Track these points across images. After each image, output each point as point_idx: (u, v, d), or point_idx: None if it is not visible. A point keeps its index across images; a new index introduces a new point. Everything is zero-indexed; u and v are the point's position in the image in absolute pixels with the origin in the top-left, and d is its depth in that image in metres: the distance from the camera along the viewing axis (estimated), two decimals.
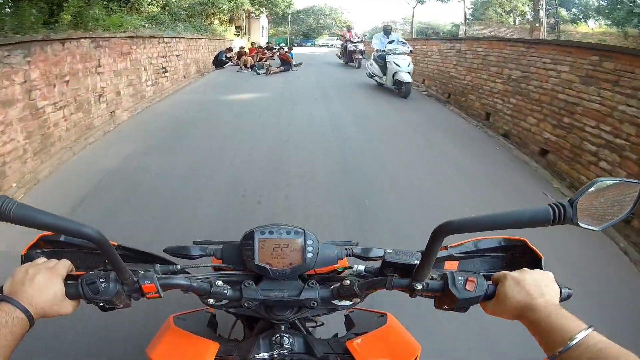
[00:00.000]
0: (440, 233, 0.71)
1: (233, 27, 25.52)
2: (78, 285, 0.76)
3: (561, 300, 0.78)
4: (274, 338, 0.92)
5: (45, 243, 0.92)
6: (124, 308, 0.81)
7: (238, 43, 20.79)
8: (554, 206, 0.66)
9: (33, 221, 0.64)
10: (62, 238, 0.92)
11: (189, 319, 1.03)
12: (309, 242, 0.89)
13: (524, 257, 0.94)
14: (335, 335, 1.11)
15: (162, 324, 1.02)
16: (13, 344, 0.66)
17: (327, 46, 58.85)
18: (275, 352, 0.90)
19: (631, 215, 0.71)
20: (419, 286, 0.80)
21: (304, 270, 0.91)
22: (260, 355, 0.90)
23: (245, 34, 28.98)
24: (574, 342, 0.62)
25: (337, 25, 67.26)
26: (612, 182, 0.70)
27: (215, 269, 0.98)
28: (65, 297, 0.76)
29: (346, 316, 1.15)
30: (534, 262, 0.91)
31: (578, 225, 0.67)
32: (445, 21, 60.16)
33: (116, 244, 0.89)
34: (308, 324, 1.18)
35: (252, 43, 20.50)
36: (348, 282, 0.87)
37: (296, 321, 1.01)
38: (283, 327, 0.96)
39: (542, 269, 0.83)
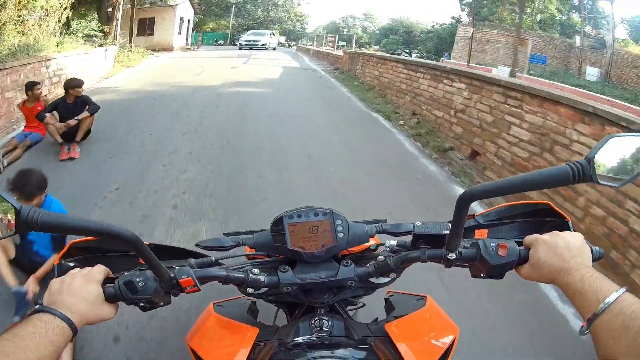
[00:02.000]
0: (464, 200, 0.73)
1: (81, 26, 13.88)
2: (116, 287, 0.77)
3: (594, 260, 0.79)
4: (313, 321, 0.92)
5: (76, 250, 0.91)
6: (164, 305, 0.82)
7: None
8: (573, 165, 0.67)
9: (62, 226, 0.65)
10: (93, 244, 0.91)
11: (229, 306, 1.06)
12: (338, 222, 0.89)
13: (551, 220, 0.95)
14: (376, 319, 1.07)
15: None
16: (55, 354, 0.65)
17: (283, 45, 48.07)
18: (314, 336, 0.90)
19: None
20: (452, 256, 0.82)
21: (338, 250, 0.91)
22: (300, 339, 0.89)
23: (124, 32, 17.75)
24: (607, 303, 0.62)
25: (290, 18, 55.42)
26: (627, 137, 0.70)
27: (249, 258, 1.03)
28: (104, 301, 0.77)
29: (386, 300, 1.17)
30: (561, 224, 0.93)
31: (598, 182, 0.68)
32: (433, 17, 50.62)
33: (147, 242, 0.83)
34: (349, 308, 1.17)
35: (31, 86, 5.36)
36: (382, 257, 0.89)
37: (335, 304, 1.01)
38: (323, 311, 0.96)
39: (570, 231, 0.85)
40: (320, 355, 0.85)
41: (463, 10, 36.61)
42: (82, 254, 0.92)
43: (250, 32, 23.59)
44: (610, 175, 0.69)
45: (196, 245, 0.98)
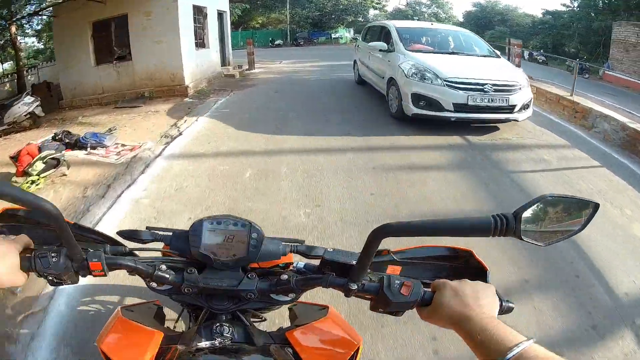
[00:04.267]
0: (377, 235, 0.74)
1: None
2: (31, 258, 0.80)
3: (501, 313, 0.80)
4: (214, 327, 0.94)
5: (8, 217, 0.95)
6: (72, 284, 0.85)
7: None
8: (497, 217, 0.65)
9: None
10: (24, 214, 0.95)
11: (136, 310, 1.06)
12: (254, 235, 0.90)
13: (469, 268, 0.95)
14: (280, 328, 1.07)
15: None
16: None
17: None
18: (216, 341, 0.91)
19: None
20: (354, 286, 0.83)
21: (247, 262, 0.92)
22: (202, 344, 0.91)
23: None
24: (511, 354, 0.61)
25: (368, 5, 41.75)
26: (562, 198, 0.69)
27: (164, 254, 1.01)
28: (19, 269, 0.79)
29: (290, 309, 1.20)
30: (479, 273, 0.91)
31: (521, 239, 0.67)
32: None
33: (72, 222, 0.90)
34: (253, 320, 1.14)
35: None
36: (286, 276, 0.90)
37: (238, 313, 1.01)
38: (224, 317, 0.98)
39: (486, 282, 0.85)
40: None
41: None
42: (12, 222, 0.95)
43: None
44: (538, 234, 0.69)
45: (117, 233, 0.97)
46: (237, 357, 0.89)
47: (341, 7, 40.28)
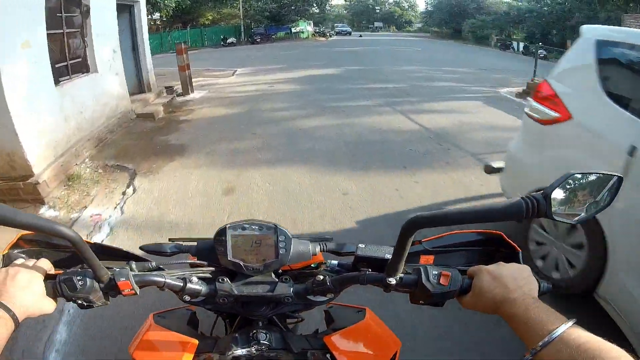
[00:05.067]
0: (409, 228, 0.72)
1: None
2: (56, 284, 0.77)
3: (540, 294, 0.77)
4: (251, 334, 0.92)
5: (25, 242, 0.92)
6: (102, 305, 0.82)
7: None
8: (527, 199, 0.65)
9: (10, 221, 0.66)
10: (41, 238, 0.92)
11: (169, 316, 1.05)
12: (281, 237, 0.88)
13: (501, 251, 0.94)
14: (316, 331, 1.08)
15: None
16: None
17: (323, 35, 38.46)
18: (253, 348, 0.90)
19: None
20: (392, 281, 0.80)
21: (278, 266, 0.90)
22: (239, 351, 0.89)
23: None
24: (554, 335, 0.61)
25: None
26: (586, 174, 0.69)
27: (192, 266, 0.98)
28: (45, 295, 0.77)
29: (326, 312, 1.13)
30: (511, 255, 0.90)
31: (553, 218, 0.66)
32: None
33: (92, 242, 0.88)
34: (289, 321, 1.15)
35: None
36: (321, 277, 0.87)
37: (274, 317, 1.00)
38: (261, 323, 0.96)
39: (519, 263, 0.84)
40: None
41: None
42: (30, 247, 0.93)
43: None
44: (567, 212, 0.69)
45: (140, 248, 0.96)
46: None
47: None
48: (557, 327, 0.62)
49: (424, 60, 18.40)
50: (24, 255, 0.87)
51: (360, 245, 0.90)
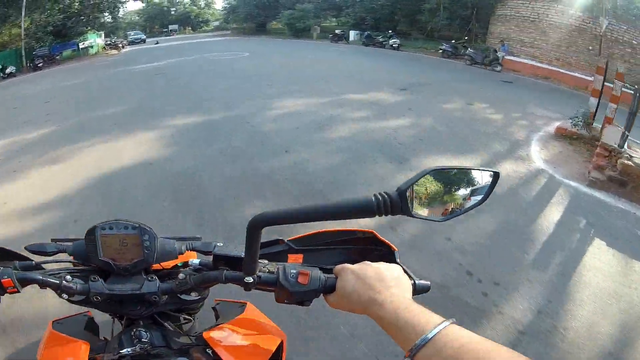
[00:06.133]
0: (254, 225, 0.73)
1: None
2: None
3: (415, 293, 0.78)
4: (133, 333, 0.94)
5: None
6: None
7: None
8: (379, 196, 0.66)
9: None
10: None
11: (67, 323, 1.07)
12: (145, 237, 0.91)
13: (375, 250, 0.95)
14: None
15: None
16: None
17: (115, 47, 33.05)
18: (137, 347, 0.91)
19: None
20: (250, 279, 0.82)
21: (146, 264, 0.92)
22: (125, 351, 0.91)
23: None
24: (429, 336, 0.59)
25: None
26: (451, 169, 0.70)
27: (74, 265, 1.02)
28: None
29: (213, 308, 1.20)
30: (387, 254, 0.91)
31: (412, 215, 0.67)
32: None
33: None
34: (179, 322, 1.13)
35: None
36: (183, 275, 0.91)
37: (156, 317, 1.01)
38: (142, 322, 0.98)
39: (395, 262, 0.84)
40: None
41: None
42: None
43: None
44: (431, 208, 0.68)
45: (25, 248, 0.97)
46: None
47: (92, 1, 29.83)
48: (432, 329, 0.60)
49: (274, 74, 14.41)
50: None
51: (218, 244, 0.93)
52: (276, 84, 12.25)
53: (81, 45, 29.56)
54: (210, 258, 0.95)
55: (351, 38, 28.83)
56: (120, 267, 0.90)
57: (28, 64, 25.84)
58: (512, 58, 18.25)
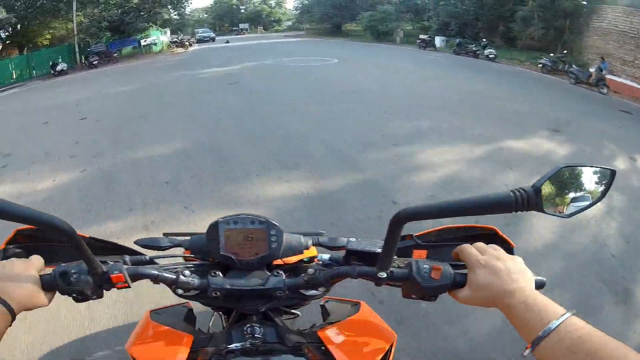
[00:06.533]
0: (397, 221, 0.73)
1: None
2: (52, 277, 0.79)
3: (535, 288, 0.77)
4: (245, 328, 0.93)
5: (21, 237, 0.95)
6: (97, 298, 0.84)
7: None
8: (517, 192, 0.66)
9: (6, 214, 0.67)
10: (37, 233, 0.94)
11: (166, 313, 1.07)
12: (273, 231, 0.90)
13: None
14: (313, 326, 1.10)
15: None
16: None
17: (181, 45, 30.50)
18: (247, 342, 0.91)
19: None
20: (383, 274, 0.82)
21: (270, 259, 0.92)
22: (233, 346, 0.90)
23: None
24: (553, 326, 0.62)
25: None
26: (578, 167, 0.71)
27: (185, 260, 1.03)
28: (41, 289, 0.79)
29: (322, 306, 1.21)
30: (506, 251, 0.87)
31: (543, 211, 0.68)
32: None
33: (87, 235, 0.91)
34: (286, 317, 1.15)
35: None
36: (312, 270, 0.90)
37: (269, 312, 1.01)
38: (255, 318, 0.98)
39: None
40: None
41: None
42: (27, 241, 0.95)
43: None
44: (559, 205, 0.70)
45: (135, 242, 0.98)
46: (269, 358, 0.88)
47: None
48: (556, 319, 0.63)
49: (384, 97, 10.11)
50: (20, 250, 0.92)
51: (351, 239, 0.92)
52: (396, 115, 8.31)
53: (143, 42, 27.24)
54: (334, 253, 0.96)
55: (437, 44, 25.75)
56: (243, 262, 0.90)
57: (83, 61, 23.66)
58: (612, 77, 14.91)
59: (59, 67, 21.44)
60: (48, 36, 27.23)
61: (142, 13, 26.21)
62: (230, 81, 12.90)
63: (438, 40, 25.69)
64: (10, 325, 0.72)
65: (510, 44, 23.30)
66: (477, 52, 21.43)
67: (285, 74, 14.44)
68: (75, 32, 24.17)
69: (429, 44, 25.39)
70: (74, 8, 23.62)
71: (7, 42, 25.62)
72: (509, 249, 0.89)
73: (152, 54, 27.10)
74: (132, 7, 25.92)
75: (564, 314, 0.63)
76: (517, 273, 0.74)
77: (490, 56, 20.30)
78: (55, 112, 10.16)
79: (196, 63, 19.44)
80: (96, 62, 22.59)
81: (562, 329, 0.61)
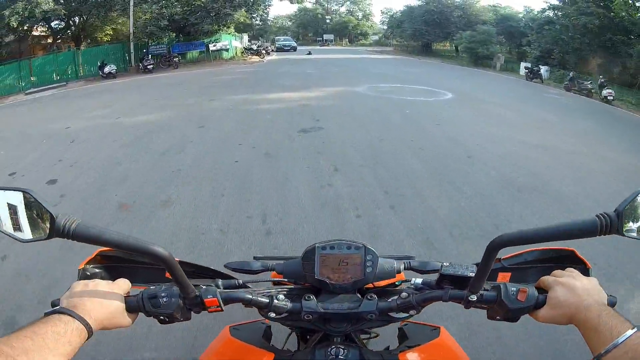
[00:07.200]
0: (494, 247, 0.75)
1: None
2: (139, 300, 0.80)
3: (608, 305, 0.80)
4: (329, 349, 0.92)
5: (102, 258, 0.94)
6: (184, 321, 0.85)
7: None
8: (602, 217, 0.67)
9: (97, 239, 0.67)
10: (119, 254, 0.95)
11: (245, 329, 1.07)
12: (369, 257, 0.91)
13: (573, 267, 0.96)
14: (388, 347, 1.11)
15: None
16: (72, 353, 0.67)
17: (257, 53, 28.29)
18: None
19: None
20: (474, 297, 0.84)
21: (364, 283, 0.93)
22: None
23: None
24: (619, 341, 0.63)
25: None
26: None
27: (274, 283, 1.04)
28: (124, 310, 0.79)
29: (400, 329, 1.18)
30: (582, 271, 0.92)
31: (624, 235, 0.68)
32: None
33: (178, 259, 0.86)
34: (362, 336, 1.17)
35: None
36: (406, 294, 0.90)
37: (352, 333, 1.01)
38: (339, 339, 0.97)
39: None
40: None
41: None
42: (107, 262, 0.95)
43: None
44: (634, 228, 0.69)
45: (225, 266, 0.99)
46: None
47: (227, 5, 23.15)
48: (623, 333, 0.64)
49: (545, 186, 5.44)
50: (99, 270, 0.92)
51: (444, 263, 0.91)
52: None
53: (211, 47, 24.10)
54: (425, 276, 0.96)
55: (543, 75, 21.63)
56: (336, 285, 0.90)
57: (138, 64, 20.51)
58: None
59: (106, 69, 18.59)
60: (109, 31, 24.80)
61: (211, 13, 22.52)
62: (304, 125, 8.22)
63: (543, 71, 21.69)
64: (86, 341, 0.71)
65: (621, 80, 18.94)
66: (592, 91, 17.01)
67: (391, 119, 9.04)
68: (131, 30, 21.05)
69: (535, 75, 21.25)
70: (132, 4, 20.48)
71: (59, 36, 23.12)
72: (585, 270, 0.94)
73: (220, 60, 24.17)
74: (198, 6, 22.31)
75: (630, 329, 0.64)
76: (592, 290, 0.78)
77: (608, 98, 15.80)
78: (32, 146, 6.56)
79: (265, 79, 15.75)
80: (151, 66, 19.65)
81: (627, 343, 0.62)
